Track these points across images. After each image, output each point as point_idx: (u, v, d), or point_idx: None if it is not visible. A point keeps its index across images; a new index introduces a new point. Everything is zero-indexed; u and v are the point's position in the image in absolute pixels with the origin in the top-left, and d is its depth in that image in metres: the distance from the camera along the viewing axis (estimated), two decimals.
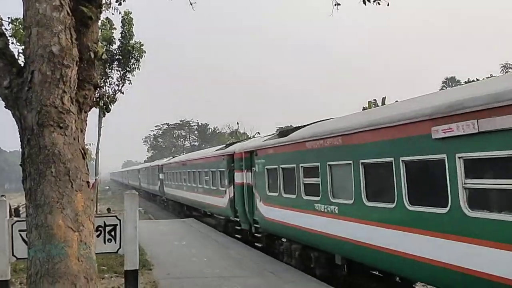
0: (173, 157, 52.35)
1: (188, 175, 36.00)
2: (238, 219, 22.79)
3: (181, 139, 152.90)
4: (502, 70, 78.20)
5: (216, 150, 28.56)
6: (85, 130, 6.63)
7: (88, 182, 6.29)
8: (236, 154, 22.77)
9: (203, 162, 30.72)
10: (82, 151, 6.26)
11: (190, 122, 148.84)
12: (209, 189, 28.77)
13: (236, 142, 28.55)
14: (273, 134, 20.70)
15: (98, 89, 8.33)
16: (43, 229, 5.65)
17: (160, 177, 50.60)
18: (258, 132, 72.96)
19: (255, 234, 20.73)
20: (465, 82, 66.08)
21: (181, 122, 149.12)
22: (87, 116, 6.76)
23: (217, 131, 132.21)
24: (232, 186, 23.36)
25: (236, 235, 23.44)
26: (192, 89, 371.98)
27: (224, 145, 28.45)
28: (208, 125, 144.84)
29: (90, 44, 6.82)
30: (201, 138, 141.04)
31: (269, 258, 17.99)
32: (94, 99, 7.22)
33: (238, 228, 23.02)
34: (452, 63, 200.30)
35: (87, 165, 6.38)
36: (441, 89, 76.03)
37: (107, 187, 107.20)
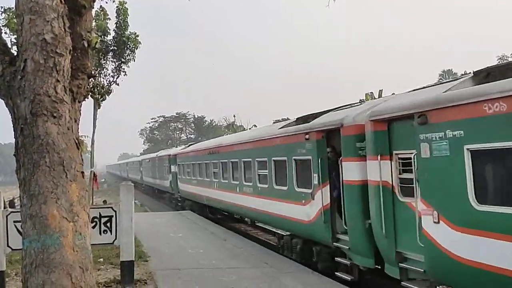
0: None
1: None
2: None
3: (178, 132, 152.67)
4: (499, 62, 78.36)
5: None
6: (79, 120, 6.59)
7: (82, 172, 6.25)
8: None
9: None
10: (76, 141, 6.22)
11: (186, 115, 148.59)
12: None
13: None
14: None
15: (92, 79, 8.28)
16: (37, 219, 5.62)
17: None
18: (255, 125, 72.97)
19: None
20: (462, 75, 66.02)
21: (177, 115, 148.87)
22: (81, 106, 6.72)
23: (214, 124, 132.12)
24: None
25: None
26: (188, 82, 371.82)
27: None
28: (204, 117, 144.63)
29: (84, 33, 6.77)
30: (197, 131, 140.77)
31: (266, 249, 17.97)
32: (88, 89, 7.18)
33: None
34: (449, 55, 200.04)
35: (81, 155, 6.34)
36: (439, 81, 76.07)
37: (103, 180, 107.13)
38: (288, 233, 16.97)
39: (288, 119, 19.64)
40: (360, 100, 16.10)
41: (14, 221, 9.93)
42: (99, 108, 24.58)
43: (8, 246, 10.21)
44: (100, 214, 10.95)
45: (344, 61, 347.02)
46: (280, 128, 17.88)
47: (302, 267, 14.91)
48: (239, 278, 13.26)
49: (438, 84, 11.59)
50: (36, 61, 5.89)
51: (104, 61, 24.09)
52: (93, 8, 7.13)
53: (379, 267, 11.80)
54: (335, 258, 13.59)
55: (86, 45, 6.79)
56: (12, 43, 7.15)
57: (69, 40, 6.24)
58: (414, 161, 9.95)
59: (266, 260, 15.79)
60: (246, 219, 24.60)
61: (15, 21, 7.58)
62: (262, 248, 18.23)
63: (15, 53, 6.25)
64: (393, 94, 14.70)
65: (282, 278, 13.38)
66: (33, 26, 5.92)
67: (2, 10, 14.97)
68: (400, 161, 10.60)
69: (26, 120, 5.85)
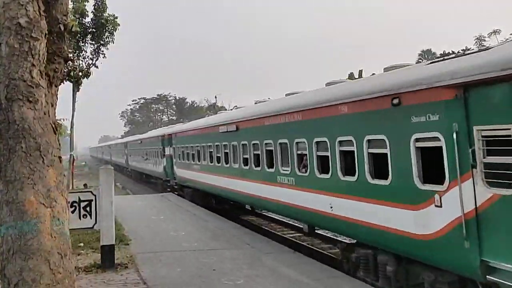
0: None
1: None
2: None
3: (159, 114, 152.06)
4: (476, 42, 79.17)
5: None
6: (55, 104, 6.52)
7: (60, 157, 6.20)
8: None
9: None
10: (53, 126, 6.16)
11: (168, 97, 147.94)
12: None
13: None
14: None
15: (69, 62, 8.18)
16: (14, 205, 5.58)
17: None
18: (236, 106, 72.90)
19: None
20: (441, 55, 66.60)
21: (158, 96, 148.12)
22: (57, 90, 6.65)
23: (195, 105, 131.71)
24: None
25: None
26: (170, 63, 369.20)
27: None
28: (185, 99, 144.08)
29: (60, 17, 6.67)
30: (179, 112, 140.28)
31: (247, 230, 18.06)
32: (65, 73, 7.10)
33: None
34: (428, 35, 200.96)
35: (58, 140, 6.29)
36: (418, 61, 76.56)
37: (84, 163, 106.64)
38: (155, 176, 42.58)
39: (269, 99, 20.30)
40: (340, 78, 16.76)
41: None
42: (78, 91, 24.35)
43: None
44: (79, 199, 10.92)
45: (331, 33, 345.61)
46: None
47: (284, 248, 15.03)
48: (221, 260, 13.33)
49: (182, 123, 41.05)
50: (10, 45, 5.81)
51: (83, 44, 23.84)
52: None
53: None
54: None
55: (62, 28, 6.69)
56: None
57: (45, 24, 6.16)
58: (173, 149, 33.00)
59: (248, 241, 15.88)
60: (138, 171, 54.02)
61: None
62: (244, 229, 18.32)
63: None
64: (373, 73, 15.47)
65: (264, 258, 13.47)
66: (7, 10, 5.83)
67: None
68: (173, 148, 32.71)
69: (1, 105, 5.78)
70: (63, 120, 24.34)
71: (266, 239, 16.34)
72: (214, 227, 18.80)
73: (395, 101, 10.17)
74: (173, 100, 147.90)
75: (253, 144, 18.09)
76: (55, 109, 6.49)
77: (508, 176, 7.84)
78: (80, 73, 23.07)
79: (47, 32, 6.22)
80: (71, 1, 17.30)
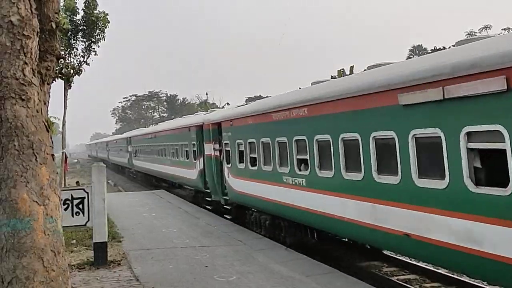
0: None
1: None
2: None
3: (150, 111, 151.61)
4: (467, 37, 79.47)
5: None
6: (48, 102, 6.55)
7: (52, 155, 6.22)
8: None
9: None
10: (46, 124, 6.18)
11: (159, 93, 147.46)
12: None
13: None
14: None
15: (61, 60, 8.19)
16: (7, 203, 5.60)
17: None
18: (228, 103, 72.97)
19: None
20: (432, 50, 66.86)
21: (149, 94, 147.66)
22: (50, 88, 6.67)
23: (186, 102, 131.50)
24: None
25: None
26: (160, 61, 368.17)
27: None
28: (177, 96, 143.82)
29: (51, 15, 6.69)
30: (170, 109, 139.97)
31: (238, 227, 18.12)
32: (57, 70, 7.12)
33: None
34: (419, 31, 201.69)
35: (51, 138, 6.30)
36: (408, 57, 76.80)
37: (76, 160, 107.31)
38: (124, 166, 60.93)
39: (260, 96, 20.50)
40: (331, 76, 16.77)
41: None
42: (69, 88, 24.25)
43: None
44: (72, 196, 10.94)
45: (319, 33, 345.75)
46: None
47: (275, 245, 15.06)
48: (212, 257, 13.37)
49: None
50: (2, 43, 5.82)
51: (74, 41, 23.73)
52: None
53: None
54: None
55: (54, 26, 6.71)
56: None
57: (36, 22, 6.16)
58: (132, 147, 49.91)
59: (239, 237, 15.94)
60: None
61: None
62: (235, 226, 18.35)
63: None
64: (364, 69, 15.53)
65: (255, 255, 13.53)
66: None
67: None
68: (132, 146, 49.22)
69: None
70: (56, 118, 24.19)
71: (258, 236, 16.39)
72: (205, 223, 18.86)
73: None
74: (164, 97, 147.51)
75: (160, 145, 34.85)
76: (47, 107, 6.51)
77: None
78: (72, 71, 22.91)
79: (39, 30, 6.23)
80: None
